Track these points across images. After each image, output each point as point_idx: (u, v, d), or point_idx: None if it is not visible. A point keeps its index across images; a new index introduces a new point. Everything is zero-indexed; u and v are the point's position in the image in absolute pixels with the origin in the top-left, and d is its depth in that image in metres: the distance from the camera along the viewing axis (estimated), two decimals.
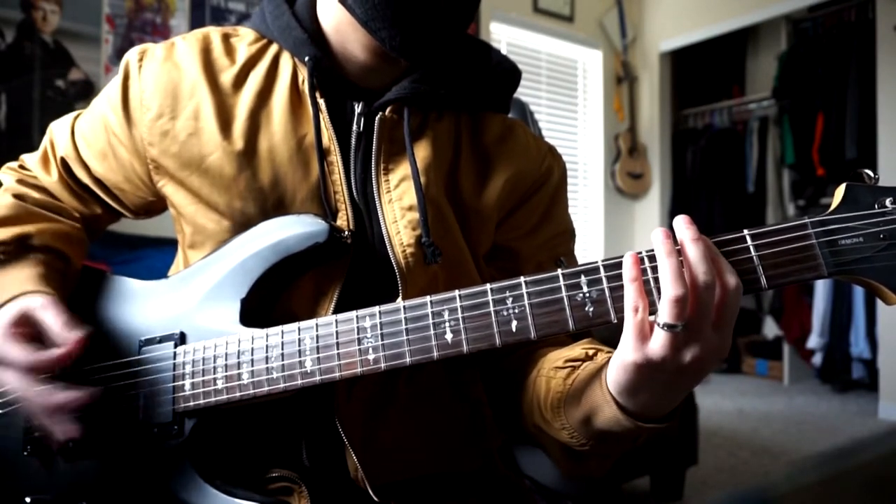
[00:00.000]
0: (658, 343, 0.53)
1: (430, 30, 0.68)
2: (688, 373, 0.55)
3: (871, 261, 0.53)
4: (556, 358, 0.71)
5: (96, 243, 0.85)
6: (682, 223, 0.55)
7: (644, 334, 0.54)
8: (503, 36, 4.11)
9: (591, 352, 0.70)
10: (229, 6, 2.96)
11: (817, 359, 4.28)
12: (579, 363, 0.68)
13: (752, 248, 0.55)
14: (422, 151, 0.73)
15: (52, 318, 0.65)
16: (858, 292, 4.07)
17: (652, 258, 0.56)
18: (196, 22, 2.87)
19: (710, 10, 4.44)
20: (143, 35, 2.75)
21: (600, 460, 0.69)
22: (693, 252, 0.53)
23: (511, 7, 4.07)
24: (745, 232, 0.55)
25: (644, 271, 0.56)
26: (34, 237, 0.73)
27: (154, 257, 2.21)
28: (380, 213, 0.71)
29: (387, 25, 0.67)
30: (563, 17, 4.38)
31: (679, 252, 0.54)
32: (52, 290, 0.69)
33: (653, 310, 0.55)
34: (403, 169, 0.72)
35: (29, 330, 0.66)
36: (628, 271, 0.55)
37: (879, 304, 3.88)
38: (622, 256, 0.56)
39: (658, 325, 0.53)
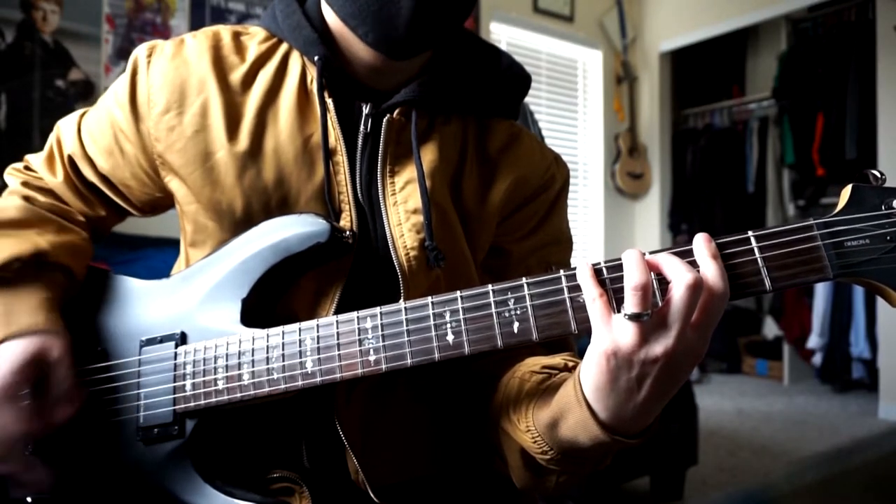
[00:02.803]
0: (624, 330, 0.53)
1: (409, 24, 0.67)
2: (659, 371, 0.54)
3: (878, 262, 0.53)
4: (534, 363, 0.70)
5: (95, 244, 0.85)
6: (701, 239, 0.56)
7: (607, 319, 0.54)
8: (503, 36, 4.11)
9: (570, 363, 0.69)
10: (229, 6, 2.96)
11: (817, 359, 4.28)
12: (556, 372, 0.68)
13: (756, 249, 0.54)
14: (428, 155, 0.73)
15: (61, 375, 0.67)
16: (858, 292, 4.07)
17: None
18: (196, 22, 2.87)
19: (710, 10, 4.44)
20: (143, 35, 2.75)
21: (559, 478, 0.66)
22: (694, 246, 0.55)
23: (511, 7, 4.07)
24: (750, 233, 0.55)
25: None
26: (49, 254, 0.72)
27: (154, 257, 2.21)
28: (384, 215, 0.71)
29: (361, 22, 0.68)
30: (563, 17, 4.38)
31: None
32: (61, 324, 0.69)
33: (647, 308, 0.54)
34: (409, 172, 0.72)
35: (38, 373, 0.66)
36: (583, 273, 0.56)
37: (879, 304, 3.89)
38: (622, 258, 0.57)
39: (624, 315, 0.53)
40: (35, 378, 0.66)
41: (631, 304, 0.52)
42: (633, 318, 0.52)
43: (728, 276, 0.54)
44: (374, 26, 0.67)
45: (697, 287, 0.52)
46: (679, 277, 0.52)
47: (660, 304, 0.54)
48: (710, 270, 0.53)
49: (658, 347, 0.53)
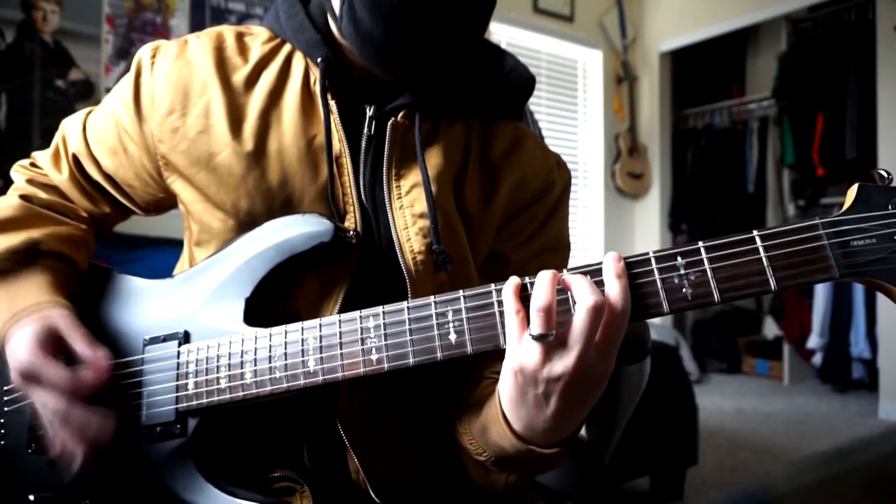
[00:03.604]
0: (528, 350, 0.55)
1: (425, 66, 0.69)
2: (563, 388, 0.56)
3: (885, 262, 0.52)
4: (496, 370, 0.72)
5: (97, 243, 0.85)
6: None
7: (519, 336, 0.56)
8: (503, 36, 4.11)
9: None
10: (229, 6, 2.96)
11: (817, 359, 4.28)
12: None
13: (761, 248, 0.54)
14: (433, 158, 0.73)
15: (77, 337, 0.67)
16: (859, 292, 4.07)
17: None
18: (196, 22, 2.87)
19: (710, 10, 4.44)
20: (143, 35, 2.75)
21: (508, 478, 0.69)
22: (603, 264, 0.56)
23: (511, 7, 4.07)
24: (755, 233, 0.55)
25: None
26: (42, 243, 0.73)
27: (154, 257, 2.21)
28: (390, 219, 0.71)
29: (379, 64, 0.69)
30: (563, 17, 4.38)
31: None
32: (66, 300, 0.70)
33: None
34: (414, 175, 0.72)
35: (55, 346, 0.67)
36: (508, 288, 0.58)
37: (879, 303, 3.88)
38: (630, 256, 0.57)
39: (530, 335, 0.55)
40: (56, 350, 0.67)
41: (535, 324, 0.54)
42: (538, 338, 0.54)
43: (733, 275, 0.55)
44: (397, 68, 0.69)
45: (598, 310, 0.54)
46: (582, 300, 0.54)
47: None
48: (613, 290, 0.55)
49: (559, 367, 0.55)
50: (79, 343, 0.67)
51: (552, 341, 0.54)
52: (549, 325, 0.54)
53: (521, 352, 0.56)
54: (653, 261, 0.56)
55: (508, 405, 0.61)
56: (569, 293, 0.56)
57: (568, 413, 0.58)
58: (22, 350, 0.66)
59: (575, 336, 0.54)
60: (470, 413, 0.70)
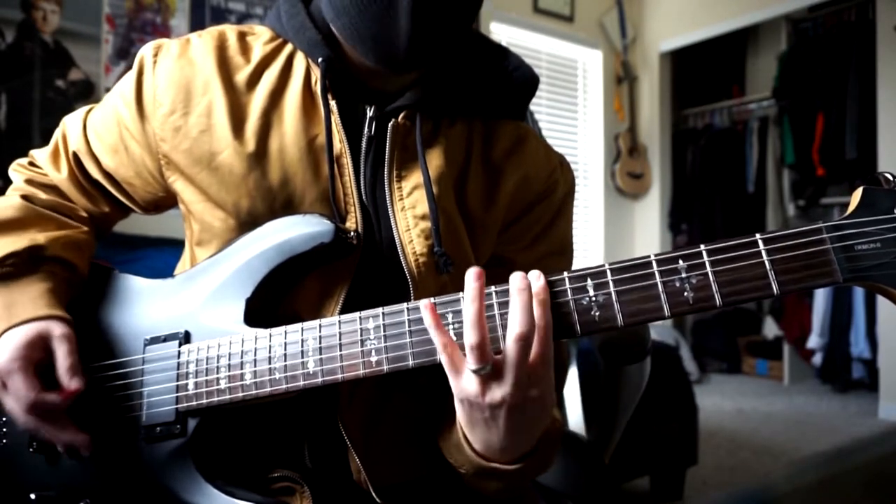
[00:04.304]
0: (468, 382, 0.57)
1: (408, 46, 0.67)
2: (507, 411, 0.57)
3: (889, 267, 0.52)
4: None
5: (97, 243, 0.85)
6: (517, 275, 0.58)
7: (457, 369, 0.57)
8: (503, 36, 4.11)
9: None
10: (229, 6, 2.96)
11: (817, 359, 4.28)
12: None
13: (764, 252, 0.54)
14: (434, 160, 0.73)
15: (63, 355, 0.68)
16: (859, 292, 4.06)
17: (498, 294, 0.59)
18: (196, 22, 2.87)
19: (710, 10, 4.44)
20: (143, 35, 2.75)
21: (494, 486, 0.69)
22: (515, 302, 0.57)
23: (511, 7, 4.07)
24: (758, 236, 0.54)
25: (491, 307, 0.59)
26: (46, 248, 0.73)
27: (154, 257, 2.21)
28: (392, 221, 0.71)
29: (360, 43, 0.68)
30: (563, 17, 4.38)
31: (486, 296, 0.58)
32: (65, 313, 0.71)
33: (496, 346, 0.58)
34: (416, 177, 0.72)
35: (41, 355, 0.68)
36: (427, 319, 0.58)
37: (880, 304, 3.88)
38: (630, 259, 0.57)
39: (468, 368, 0.56)
40: (39, 359, 0.68)
41: (471, 361, 0.56)
42: (475, 371, 0.56)
43: (735, 279, 0.54)
44: (374, 48, 0.68)
45: (526, 338, 0.55)
46: (511, 329, 0.56)
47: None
48: (536, 314, 0.56)
49: (498, 393, 0.57)
50: (61, 363, 0.68)
51: (488, 372, 0.56)
52: (483, 359, 0.55)
53: (462, 383, 0.57)
54: (654, 264, 0.56)
55: (465, 428, 0.63)
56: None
57: (517, 431, 0.60)
58: (5, 353, 0.67)
59: (508, 365, 0.56)
60: (449, 428, 0.71)
